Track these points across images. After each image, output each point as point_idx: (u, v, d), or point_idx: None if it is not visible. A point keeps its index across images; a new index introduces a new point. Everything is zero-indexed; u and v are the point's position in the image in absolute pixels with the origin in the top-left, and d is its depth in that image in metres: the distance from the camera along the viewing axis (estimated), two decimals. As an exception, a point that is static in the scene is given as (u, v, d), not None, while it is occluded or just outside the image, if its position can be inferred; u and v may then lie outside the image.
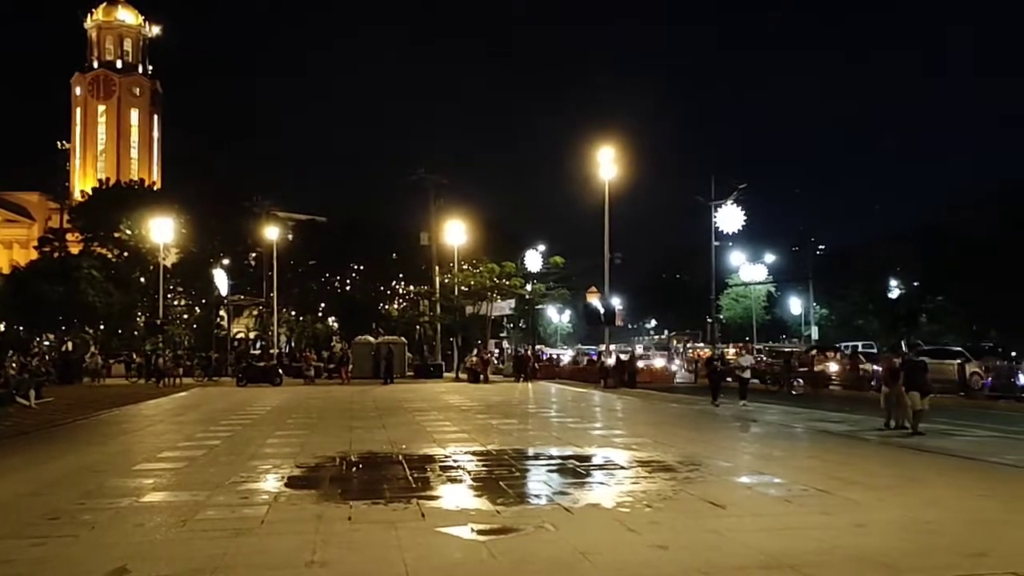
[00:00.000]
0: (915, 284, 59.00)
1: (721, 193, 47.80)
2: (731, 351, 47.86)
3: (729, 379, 27.38)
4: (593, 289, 44.00)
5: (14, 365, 26.34)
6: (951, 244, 50.81)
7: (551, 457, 12.66)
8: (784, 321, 79.48)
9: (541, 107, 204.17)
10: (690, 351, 63.05)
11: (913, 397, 15.16)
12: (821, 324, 69.12)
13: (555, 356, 58.19)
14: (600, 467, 11.52)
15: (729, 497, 9.05)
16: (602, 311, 36.64)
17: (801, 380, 32.01)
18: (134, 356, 45.54)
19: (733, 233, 49.01)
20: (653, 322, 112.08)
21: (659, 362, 48.27)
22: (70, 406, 23.18)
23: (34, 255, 69.25)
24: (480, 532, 7.41)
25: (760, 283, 72.49)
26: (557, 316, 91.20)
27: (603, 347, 41.23)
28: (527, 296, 50.83)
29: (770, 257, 77.41)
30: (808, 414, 19.91)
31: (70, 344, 51.08)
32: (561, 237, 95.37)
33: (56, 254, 63.13)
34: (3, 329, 49.76)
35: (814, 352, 39.29)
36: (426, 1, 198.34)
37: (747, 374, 25.41)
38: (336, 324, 69.42)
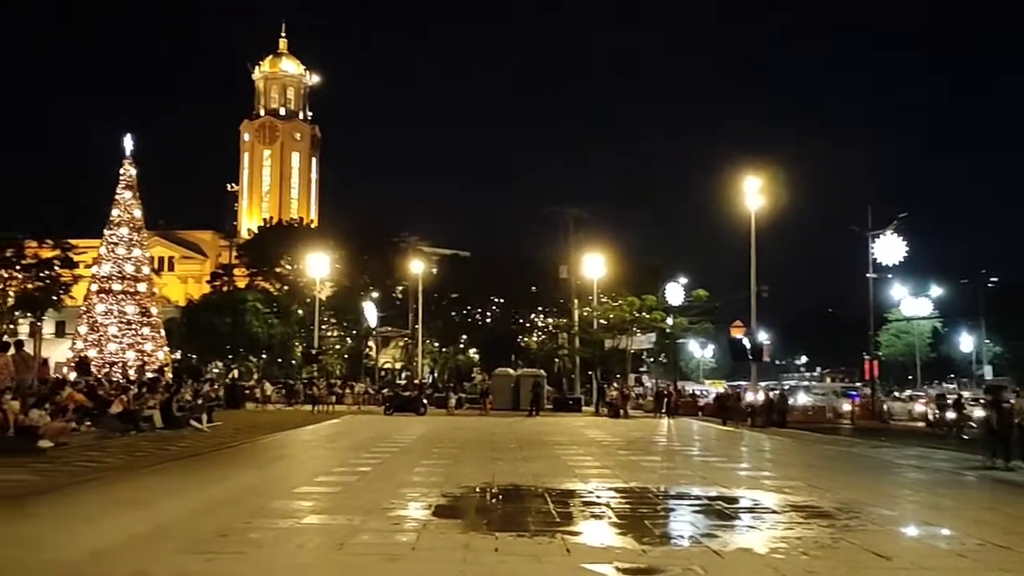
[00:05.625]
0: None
1: (879, 223, 45.43)
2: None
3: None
4: (738, 323, 42.64)
5: (189, 391, 28.32)
6: None
7: (696, 497, 12.30)
8: (952, 359, 74.19)
9: (684, 135, 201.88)
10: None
11: None
12: (995, 363, 63.99)
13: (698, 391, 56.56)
14: (749, 510, 11.07)
15: (894, 548, 8.50)
16: (748, 346, 35.47)
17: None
18: (312, 384, 45.88)
19: (893, 265, 46.43)
20: (804, 358, 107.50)
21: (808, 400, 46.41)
22: (237, 430, 24.62)
23: (206, 289, 75.08)
24: (625, 571, 7.27)
25: (924, 318, 67.60)
26: (700, 351, 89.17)
27: (750, 383, 39.88)
28: (668, 330, 49.93)
29: (936, 290, 71.33)
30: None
31: (236, 372, 54.61)
32: (703, 270, 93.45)
33: (225, 288, 68.24)
34: (179, 357, 53.91)
35: None
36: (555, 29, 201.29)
37: None
38: (477, 356, 70.72)
